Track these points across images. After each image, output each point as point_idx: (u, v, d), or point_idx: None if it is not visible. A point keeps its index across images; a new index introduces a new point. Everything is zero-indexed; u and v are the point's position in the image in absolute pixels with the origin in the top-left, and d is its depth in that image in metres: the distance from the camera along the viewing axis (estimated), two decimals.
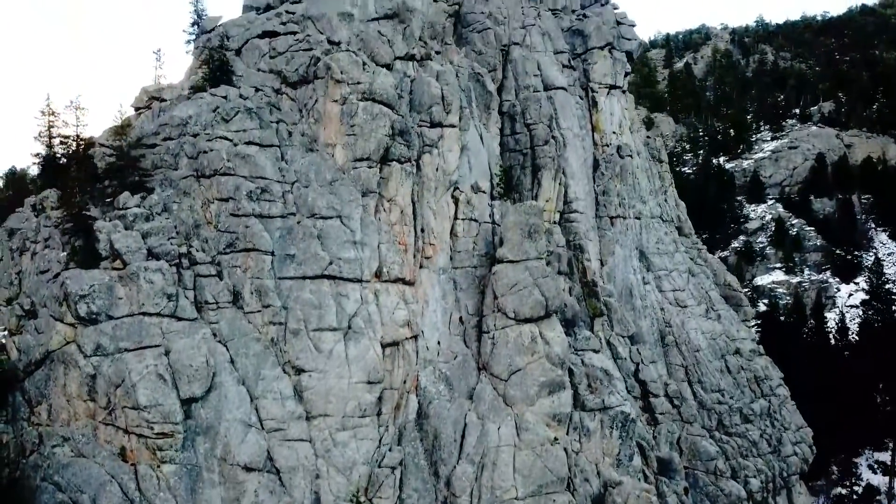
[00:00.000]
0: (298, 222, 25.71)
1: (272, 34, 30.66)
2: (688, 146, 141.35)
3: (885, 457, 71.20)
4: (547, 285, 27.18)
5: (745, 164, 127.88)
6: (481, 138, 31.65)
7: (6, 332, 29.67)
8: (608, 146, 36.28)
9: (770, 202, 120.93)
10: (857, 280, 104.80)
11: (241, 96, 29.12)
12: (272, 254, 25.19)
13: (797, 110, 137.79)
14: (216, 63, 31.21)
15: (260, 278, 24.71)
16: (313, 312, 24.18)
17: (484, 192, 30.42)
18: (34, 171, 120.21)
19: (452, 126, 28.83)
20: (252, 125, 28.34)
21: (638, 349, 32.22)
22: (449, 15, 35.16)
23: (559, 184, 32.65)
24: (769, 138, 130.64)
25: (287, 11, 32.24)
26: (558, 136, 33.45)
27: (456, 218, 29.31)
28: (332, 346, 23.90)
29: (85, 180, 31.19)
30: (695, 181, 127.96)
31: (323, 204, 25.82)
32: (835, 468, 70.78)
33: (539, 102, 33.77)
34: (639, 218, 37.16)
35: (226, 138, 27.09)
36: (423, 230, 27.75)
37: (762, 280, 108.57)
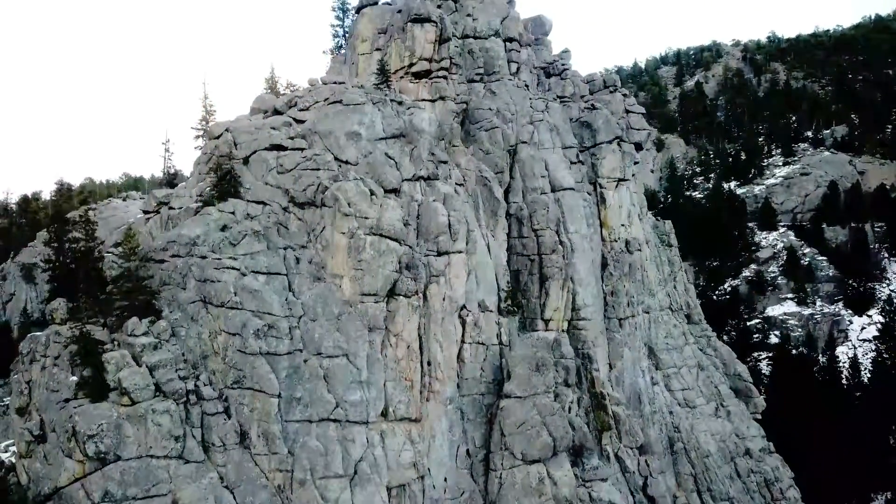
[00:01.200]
0: (305, 361, 25.72)
1: (279, 147, 30.64)
2: (699, 170, 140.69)
3: None
4: (555, 424, 27.10)
5: (757, 189, 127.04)
6: (488, 248, 31.55)
7: (17, 455, 29.90)
8: (617, 241, 36.07)
9: (782, 230, 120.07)
10: (870, 313, 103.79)
11: (248, 215, 29.15)
12: (279, 395, 25.21)
13: (809, 133, 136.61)
14: (224, 172, 31.24)
15: (266, 422, 24.74)
16: (319, 460, 24.18)
17: (491, 310, 30.30)
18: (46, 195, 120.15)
19: (459, 252, 28.73)
20: (259, 247, 28.37)
21: (647, 460, 32.03)
22: (456, 114, 35.04)
23: (567, 291, 32.46)
24: (781, 163, 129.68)
25: (296, 120, 32.22)
26: (566, 240, 33.25)
27: (463, 341, 29.23)
28: (338, 495, 23.89)
29: (93, 294, 31.49)
30: (706, 207, 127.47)
31: (330, 343, 25.80)
32: None
33: (546, 206, 33.55)
34: (648, 312, 36.96)
35: (233, 268, 27.12)
36: (429, 363, 27.68)
37: (774, 311, 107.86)
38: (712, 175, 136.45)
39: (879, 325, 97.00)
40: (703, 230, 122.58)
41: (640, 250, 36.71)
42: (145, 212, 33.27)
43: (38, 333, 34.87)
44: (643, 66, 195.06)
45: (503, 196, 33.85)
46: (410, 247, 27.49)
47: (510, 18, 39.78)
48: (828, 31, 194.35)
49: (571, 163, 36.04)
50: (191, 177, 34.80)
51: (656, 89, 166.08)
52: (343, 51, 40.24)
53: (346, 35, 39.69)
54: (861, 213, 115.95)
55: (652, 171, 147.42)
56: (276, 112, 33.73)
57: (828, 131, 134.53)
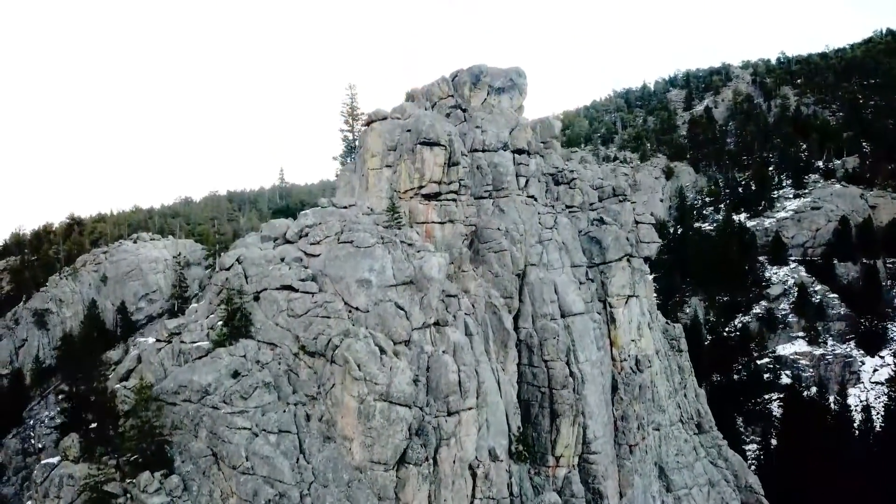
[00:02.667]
0: None
1: (290, 288, 30.77)
2: (708, 199, 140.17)
3: None
4: None
5: (767, 223, 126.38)
6: (499, 384, 31.60)
7: None
8: (626, 360, 36.00)
9: (793, 265, 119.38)
10: (882, 353, 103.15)
11: (258, 362, 29.31)
12: None
13: (820, 163, 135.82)
14: (234, 309, 31.42)
15: None
16: None
17: (501, 459, 30.23)
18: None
19: (470, 409, 28.73)
20: (270, 398, 28.53)
21: None
22: (466, 236, 35.08)
23: (578, 426, 32.44)
24: (791, 195, 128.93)
25: (307, 253, 32.35)
26: (576, 371, 33.24)
27: (473, 496, 29.18)
28: None
29: (105, 431, 31.78)
30: (716, 240, 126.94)
31: None
32: None
33: (556, 335, 33.53)
34: (658, 429, 36.89)
35: (245, 427, 27.28)
36: None
37: (785, 350, 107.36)
38: (722, 206, 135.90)
39: (893, 368, 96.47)
40: (713, 264, 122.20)
41: (650, 366, 36.60)
42: (157, 340, 33.46)
43: (52, 465, 35.21)
44: (652, 88, 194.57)
45: (513, 324, 33.86)
46: (420, 408, 27.54)
47: (518, 128, 39.77)
48: (839, 50, 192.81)
49: (580, 283, 35.98)
50: (201, 301, 34.95)
51: (665, 114, 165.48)
52: (353, 158, 40.31)
53: (356, 142, 39.74)
54: (873, 249, 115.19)
55: (661, 201, 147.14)
56: (287, 240, 33.87)
57: (839, 161, 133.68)
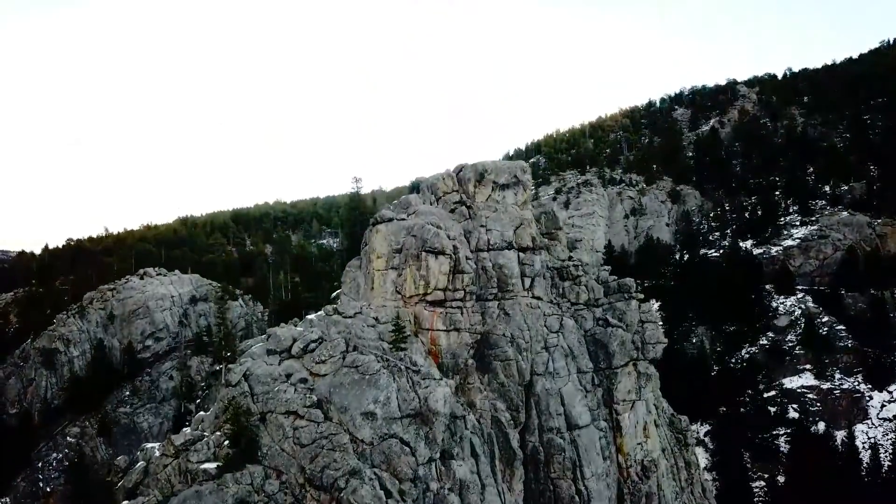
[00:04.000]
0: None
1: (295, 414, 30.83)
2: (715, 224, 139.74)
3: None
4: None
5: (774, 251, 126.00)
6: None
7: None
8: (632, 466, 35.94)
9: (800, 294, 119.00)
10: (890, 388, 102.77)
11: (266, 494, 29.40)
12: None
13: (827, 188, 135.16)
14: (241, 428, 31.52)
15: None
16: None
17: None
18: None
19: None
20: None
21: None
22: (471, 346, 35.07)
23: None
24: (798, 223, 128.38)
25: (312, 373, 32.39)
26: (583, 489, 33.18)
27: None
28: None
29: None
30: (722, 267, 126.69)
31: None
32: None
33: (563, 450, 33.48)
34: None
35: None
36: None
37: (791, 383, 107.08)
38: (728, 231, 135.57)
39: None
40: (720, 293, 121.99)
41: (656, 471, 36.53)
42: (162, 455, 33.52)
43: None
44: (658, 104, 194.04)
45: (519, 439, 33.86)
46: None
47: (523, 226, 39.68)
48: (845, 62, 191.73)
49: (586, 391, 35.92)
50: (208, 413, 35.02)
51: (671, 135, 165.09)
52: (360, 256, 40.25)
53: (363, 240, 39.72)
54: (881, 280, 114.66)
55: (667, 225, 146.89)
56: (291, 355, 33.96)
57: (846, 188, 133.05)
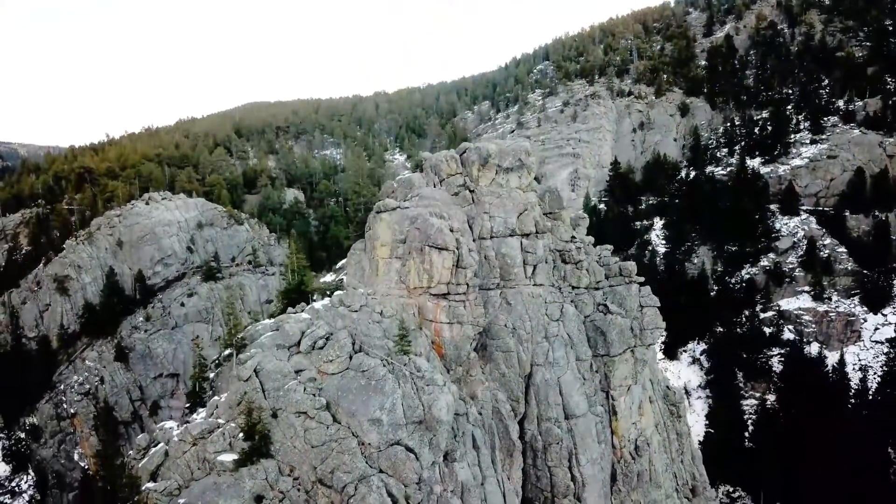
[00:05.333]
0: None
1: (305, 415, 32.35)
2: (723, 141, 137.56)
3: None
4: None
5: (781, 170, 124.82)
6: (504, 498, 33.59)
7: None
8: (626, 446, 37.79)
9: (804, 216, 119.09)
10: (885, 311, 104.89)
11: (280, 492, 31.44)
12: None
13: (841, 103, 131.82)
14: (253, 424, 33.24)
15: None
16: None
17: None
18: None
19: None
20: None
21: None
22: (473, 339, 35.99)
23: None
24: (808, 141, 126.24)
25: (320, 371, 33.62)
26: (578, 475, 35.07)
27: None
28: None
29: None
30: (729, 187, 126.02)
31: None
32: None
33: (560, 440, 35.16)
34: None
35: None
36: None
37: (789, 305, 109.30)
38: (737, 148, 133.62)
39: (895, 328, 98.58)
40: (724, 213, 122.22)
41: (648, 448, 38.50)
42: (182, 441, 35.34)
43: None
44: (672, 4, 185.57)
45: (518, 429, 35.51)
46: None
47: (527, 211, 39.62)
48: None
49: (584, 379, 37.22)
50: (222, 399, 36.58)
51: (684, 42, 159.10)
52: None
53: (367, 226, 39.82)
54: (886, 202, 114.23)
55: (675, 140, 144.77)
56: (300, 350, 35.15)
57: (860, 103, 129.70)
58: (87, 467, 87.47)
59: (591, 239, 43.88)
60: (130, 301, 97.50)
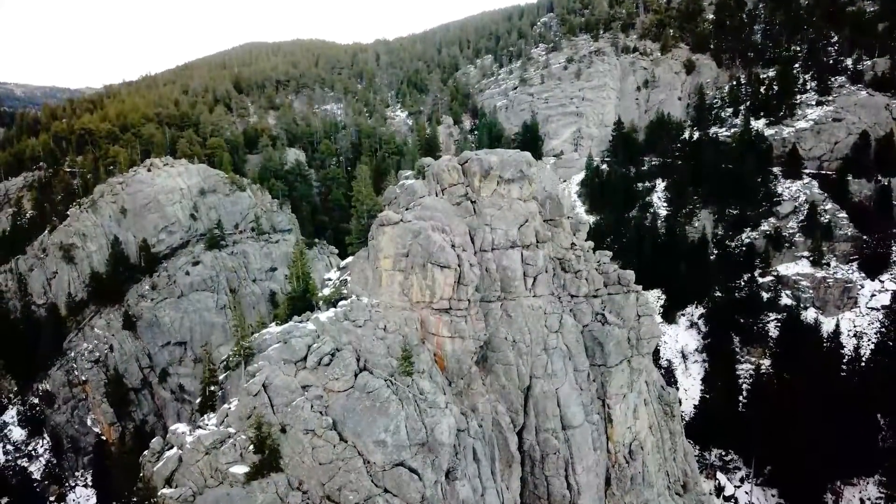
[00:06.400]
0: None
1: (313, 433, 33.71)
2: (728, 100, 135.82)
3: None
4: None
5: (786, 132, 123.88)
6: None
7: None
8: (620, 450, 39.25)
9: (806, 179, 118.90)
10: (882, 277, 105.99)
11: (289, 502, 33.15)
12: None
13: (850, 61, 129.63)
14: (263, 438, 34.74)
15: None
16: None
17: None
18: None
19: None
20: None
21: None
22: (474, 353, 37.02)
23: None
24: (814, 102, 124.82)
25: (326, 388, 34.80)
26: (574, 483, 36.58)
27: None
28: None
29: None
30: (732, 149, 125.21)
31: None
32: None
33: (557, 451, 36.55)
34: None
35: None
36: None
37: (787, 270, 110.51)
38: (742, 108, 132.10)
39: (892, 294, 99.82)
40: (726, 175, 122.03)
41: (641, 451, 40.05)
42: (195, 450, 36.79)
43: None
44: None
45: (517, 441, 36.93)
46: None
47: (528, 223, 40.06)
48: None
49: (581, 389, 38.43)
50: (232, 408, 37.90)
51: None
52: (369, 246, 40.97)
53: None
54: (890, 167, 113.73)
55: (679, 99, 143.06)
56: (306, 366, 36.31)
57: (869, 63, 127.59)
58: (100, 432, 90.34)
59: (591, 244, 44.49)
60: (136, 269, 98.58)
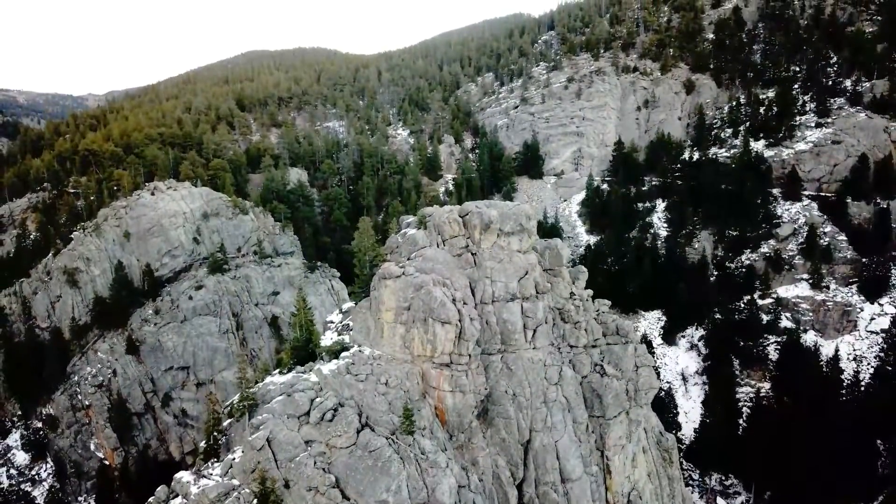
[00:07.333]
0: None
1: (316, 490, 34.26)
2: (727, 120, 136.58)
3: None
4: None
5: (786, 153, 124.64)
6: None
7: None
8: (619, 501, 39.77)
9: (806, 201, 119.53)
10: (882, 300, 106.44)
11: None
12: None
13: (849, 83, 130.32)
14: (267, 492, 35.32)
15: None
16: None
17: None
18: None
19: None
20: None
21: None
22: (475, 406, 37.60)
23: None
24: (813, 124, 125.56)
25: (328, 445, 35.48)
26: None
27: None
28: None
29: None
30: (732, 170, 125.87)
31: None
32: None
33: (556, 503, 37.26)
34: None
35: None
36: None
37: (787, 292, 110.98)
38: (741, 129, 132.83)
39: (892, 318, 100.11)
40: (726, 196, 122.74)
41: (640, 499, 40.57)
42: (198, 501, 37.34)
43: None
44: None
45: (517, 495, 37.49)
46: None
47: (527, 275, 40.71)
48: None
49: (580, 441, 38.99)
50: (237, 462, 38.47)
51: (691, 14, 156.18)
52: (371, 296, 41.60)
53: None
54: (889, 189, 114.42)
55: (679, 119, 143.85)
56: (309, 420, 36.90)
57: (868, 84, 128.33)
58: (103, 457, 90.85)
59: (590, 292, 45.10)
60: (139, 293, 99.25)
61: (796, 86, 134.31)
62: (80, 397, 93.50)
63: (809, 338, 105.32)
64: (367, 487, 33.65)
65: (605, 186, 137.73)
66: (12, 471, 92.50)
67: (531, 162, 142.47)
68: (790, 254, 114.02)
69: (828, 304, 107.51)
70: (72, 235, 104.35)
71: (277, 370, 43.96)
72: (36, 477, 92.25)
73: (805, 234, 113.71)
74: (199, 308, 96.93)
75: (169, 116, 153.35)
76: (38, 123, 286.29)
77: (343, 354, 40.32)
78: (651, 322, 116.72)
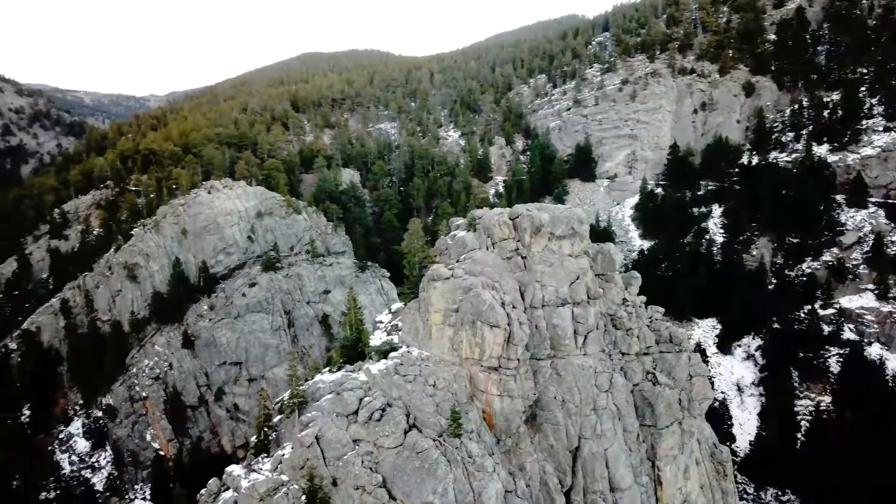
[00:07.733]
0: None
1: (363, 489, 34.43)
2: (789, 124, 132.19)
3: None
4: None
5: (850, 159, 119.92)
6: None
7: None
8: None
9: (872, 209, 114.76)
10: None
11: None
12: None
13: None
14: (315, 489, 35.65)
15: None
16: None
17: None
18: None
19: None
20: None
21: None
22: (523, 412, 37.23)
23: None
24: (881, 128, 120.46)
25: (376, 444, 35.60)
26: None
27: None
28: None
29: None
30: (793, 175, 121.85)
31: None
32: None
33: None
34: None
35: None
36: None
37: (850, 303, 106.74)
38: (804, 133, 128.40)
39: None
40: (786, 202, 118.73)
41: None
42: (250, 496, 37.93)
43: None
44: None
45: (565, 496, 36.93)
46: None
47: (579, 280, 40.11)
48: None
49: (630, 450, 38.19)
50: (285, 455, 39.00)
51: (752, 14, 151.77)
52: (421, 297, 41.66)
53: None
54: None
55: (738, 122, 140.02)
56: (357, 419, 37.09)
57: None
58: (158, 447, 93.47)
59: (643, 299, 44.19)
60: (195, 289, 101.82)
61: (863, 88, 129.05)
62: (137, 389, 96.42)
63: (874, 351, 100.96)
64: (413, 488, 33.64)
65: (659, 190, 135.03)
66: (73, 457, 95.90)
67: (583, 164, 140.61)
68: (854, 263, 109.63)
69: (894, 315, 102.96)
70: (132, 232, 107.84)
71: (327, 368, 44.42)
72: (96, 464, 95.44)
73: (871, 242, 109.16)
74: (252, 305, 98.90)
75: (226, 117, 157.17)
76: (103, 123, 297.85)
77: (392, 355, 40.46)
78: (705, 330, 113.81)
